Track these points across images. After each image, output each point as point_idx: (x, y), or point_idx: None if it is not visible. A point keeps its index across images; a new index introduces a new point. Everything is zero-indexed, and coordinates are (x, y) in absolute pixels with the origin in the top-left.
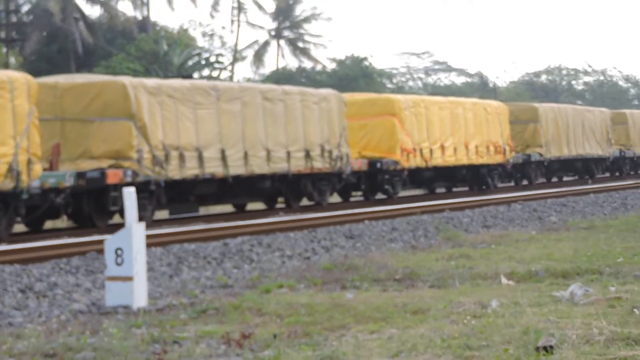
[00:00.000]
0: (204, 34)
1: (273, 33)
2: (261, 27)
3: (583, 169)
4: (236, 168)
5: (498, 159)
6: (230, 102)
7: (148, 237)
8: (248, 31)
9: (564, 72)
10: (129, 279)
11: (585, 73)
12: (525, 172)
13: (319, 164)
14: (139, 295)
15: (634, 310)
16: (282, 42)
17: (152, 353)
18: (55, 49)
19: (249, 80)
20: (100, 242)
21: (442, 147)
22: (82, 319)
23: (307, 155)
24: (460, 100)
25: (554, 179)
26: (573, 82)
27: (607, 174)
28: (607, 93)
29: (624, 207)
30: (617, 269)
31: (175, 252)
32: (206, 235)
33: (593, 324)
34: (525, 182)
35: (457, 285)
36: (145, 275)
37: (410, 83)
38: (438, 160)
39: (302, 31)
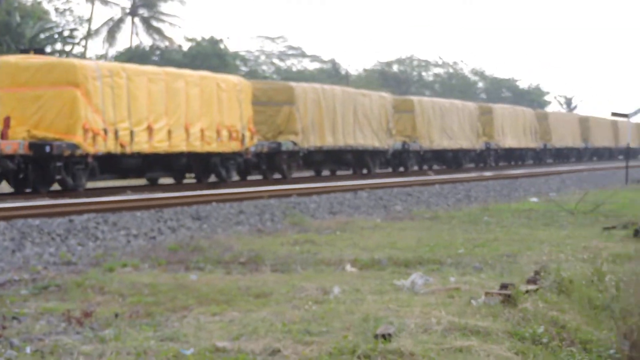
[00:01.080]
0: (56, 9)
1: (127, 10)
2: (116, 4)
3: (355, 162)
4: None
5: (234, 146)
6: None
7: None
8: (103, 8)
9: (415, 62)
10: None
11: (436, 65)
12: (274, 163)
13: None
14: None
15: (472, 301)
16: (136, 19)
17: None
18: None
19: (101, 57)
20: None
21: (150, 129)
22: None
23: None
24: (181, 72)
25: (326, 172)
26: (424, 73)
27: (390, 169)
28: (456, 85)
29: (468, 199)
30: (457, 260)
31: (19, 227)
32: (51, 211)
33: (432, 314)
34: (277, 176)
35: (301, 271)
36: None
37: (264, 67)
38: (143, 145)
39: (156, 10)
